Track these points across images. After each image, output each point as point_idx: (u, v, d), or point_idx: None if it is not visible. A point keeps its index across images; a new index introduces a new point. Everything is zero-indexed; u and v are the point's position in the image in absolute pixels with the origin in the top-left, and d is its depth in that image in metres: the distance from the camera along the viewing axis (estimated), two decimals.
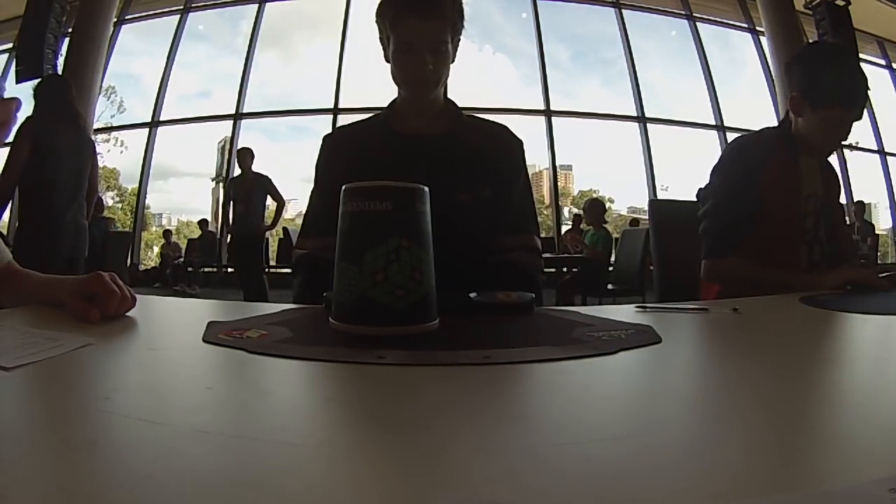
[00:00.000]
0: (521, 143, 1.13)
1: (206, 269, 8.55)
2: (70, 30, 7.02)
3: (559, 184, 9.27)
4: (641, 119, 8.70)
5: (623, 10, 9.15)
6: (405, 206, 0.60)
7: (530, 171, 1.24)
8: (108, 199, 10.39)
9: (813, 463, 0.29)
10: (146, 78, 9.74)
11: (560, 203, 9.15)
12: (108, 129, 9.77)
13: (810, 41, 7.59)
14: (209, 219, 9.53)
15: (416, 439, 0.33)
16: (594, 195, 9.78)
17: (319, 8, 10.08)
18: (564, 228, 8.53)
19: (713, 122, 8.86)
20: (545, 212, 9.19)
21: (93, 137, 2.62)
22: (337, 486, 0.26)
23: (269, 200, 4.88)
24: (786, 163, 1.30)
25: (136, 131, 9.22)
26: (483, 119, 1.15)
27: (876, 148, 9.44)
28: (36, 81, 2.61)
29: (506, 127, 1.15)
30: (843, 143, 1.32)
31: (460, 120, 1.10)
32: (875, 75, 9.46)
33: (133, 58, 10.15)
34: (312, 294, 0.93)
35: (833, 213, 1.39)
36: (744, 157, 1.32)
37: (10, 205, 2.50)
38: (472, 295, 0.79)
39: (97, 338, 0.56)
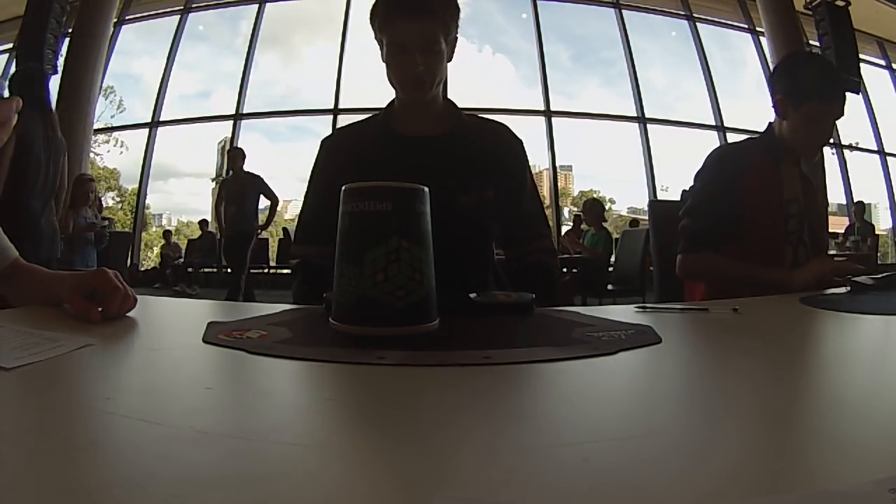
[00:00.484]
0: (521, 142, 1.13)
1: (205, 270, 8.56)
2: (70, 30, 7.03)
3: (559, 184, 9.27)
4: (641, 119, 8.70)
5: (623, 11, 9.15)
6: (405, 207, 0.60)
7: (532, 173, 1.24)
8: (109, 199, 10.39)
9: (813, 463, 0.29)
10: (146, 78, 9.74)
11: (560, 203, 9.15)
12: (108, 130, 9.78)
13: (809, 42, 7.61)
14: (209, 219, 9.53)
15: (415, 440, 0.33)
16: (594, 195, 9.78)
17: (319, 8, 10.09)
18: (564, 229, 8.53)
19: (713, 123, 8.86)
20: (545, 212, 9.19)
21: (61, 137, 2.55)
22: (337, 486, 0.26)
23: (264, 201, 4.83)
24: (766, 169, 1.37)
25: (136, 131, 9.23)
26: (483, 118, 1.15)
27: (876, 148, 9.44)
28: (11, 73, 2.54)
29: (506, 126, 1.15)
30: (828, 143, 1.39)
31: (460, 120, 1.09)
32: (875, 75, 9.46)
33: (133, 58, 10.15)
34: (313, 300, 0.93)
35: (815, 217, 1.45)
36: (723, 164, 1.40)
37: None
38: (472, 295, 0.79)
39: (97, 338, 0.56)
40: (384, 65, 1.03)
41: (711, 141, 8.68)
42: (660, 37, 10.07)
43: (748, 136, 1.49)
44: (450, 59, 1.04)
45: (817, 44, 7.28)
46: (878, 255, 7.54)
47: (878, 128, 9.31)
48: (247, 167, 4.83)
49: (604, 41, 10.31)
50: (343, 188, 0.62)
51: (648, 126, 8.70)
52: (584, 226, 5.60)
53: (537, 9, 8.96)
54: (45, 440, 0.31)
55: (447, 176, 0.76)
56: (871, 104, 9.17)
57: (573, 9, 9.44)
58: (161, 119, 8.86)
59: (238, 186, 4.70)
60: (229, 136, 8.78)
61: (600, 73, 12.19)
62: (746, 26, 9.34)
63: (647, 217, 2.23)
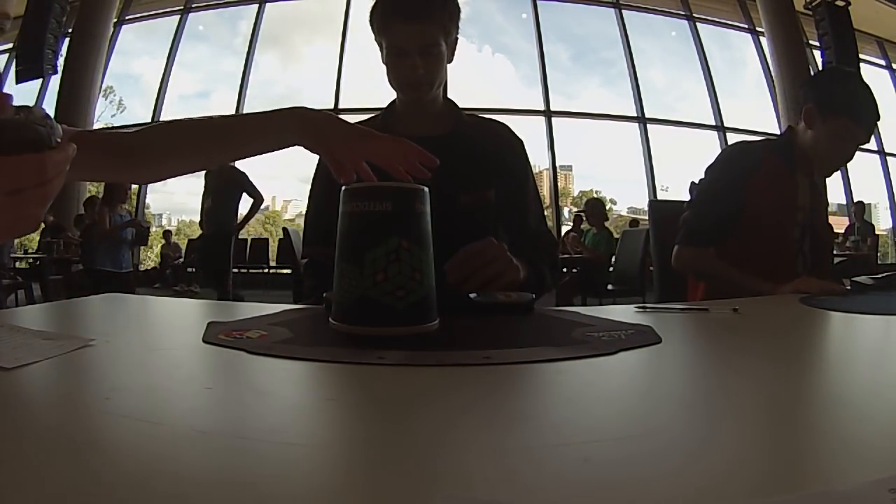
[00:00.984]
0: (521, 141, 1.13)
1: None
2: (70, 30, 7.03)
3: (559, 184, 9.27)
4: (641, 119, 8.71)
5: (623, 11, 9.16)
6: (405, 207, 0.60)
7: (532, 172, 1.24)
8: None
9: (813, 463, 0.29)
10: (146, 78, 9.75)
11: (560, 203, 9.15)
12: (108, 130, 9.76)
13: (809, 42, 7.61)
14: None
15: (416, 440, 0.33)
16: (594, 195, 9.78)
17: (319, 8, 10.09)
18: (565, 229, 8.53)
19: (713, 123, 8.86)
20: (545, 212, 9.18)
21: None
22: (337, 486, 0.26)
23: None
24: (780, 173, 1.35)
25: None
26: (483, 118, 1.15)
27: (876, 148, 9.44)
28: None
29: (506, 125, 1.15)
30: (845, 165, 1.37)
31: (461, 120, 1.09)
32: (875, 75, 9.46)
33: (133, 58, 10.16)
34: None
35: (819, 229, 1.43)
36: (732, 163, 1.39)
37: None
38: (472, 295, 0.79)
39: (97, 338, 0.56)
40: (384, 66, 1.03)
41: (711, 141, 8.69)
42: (660, 37, 10.08)
43: (766, 137, 1.46)
44: (450, 61, 1.04)
45: (817, 44, 7.29)
46: (878, 255, 7.54)
47: (878, 128, 9.30)
48: (247, 166, 4.69)
49: (604, 41, 10.33)
50: (343, 188, 0.62)
51: (648, 126, 8.71)
52: (584, 225, 5.60)
53: (537, 9, 8.96)
54: (45, 440, 0.31)
55: (448, 176, 0.76)
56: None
57: (573, 9, 9.44)
58: (161, 119, 8.86)
59: (219, 180, 4.34)
60: None
61: (600, 73, 12.21)
62: (746, 26, 9.34)
63: (647, 217, 2.23)
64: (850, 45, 6.99)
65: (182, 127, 0.74)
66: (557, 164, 8.75)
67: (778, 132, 3.24)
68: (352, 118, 1.22)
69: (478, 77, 10.24)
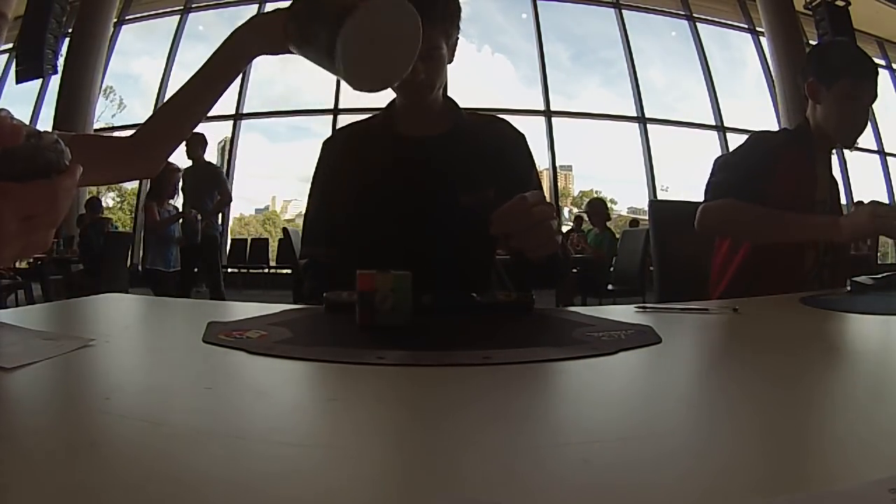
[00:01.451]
0: (524, 136, 1.13)
1: None
2: (70, 30, 7.03)
3: (559, 184, 9.27)
4: (641, 119, 8.71)
5: (623, 11, 9.15)
6: None
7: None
8: (109, 199, 10.39)
9: (813, 463, 0.29)
10: (146, 78, 9.75)
11: (560, 203, 9.15)
12: (108, 130, 9.78)
13: (809, 42, 7.61)
14: None
15: (416, 440, 0.33)
16: (594, 195, 9.78)
17: None
18: (565, 229, 8.53)
19: (713, 123, 8.86)
20: None
21: None
22: (337, 486, 0.26)
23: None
24: (799, 164, 1.33)
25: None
26: (483, 115, 1.15)
27: (876, 148, 9.44)
28: None
29: (507, 121, 1.15)
30: (863, 129, 1.34)
31: (461, 119, 1.09)
32: None
33: (133, 58, 10.15)
34: (321, 299, 0.92)
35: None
36: (762, 141, 1.35)
37: None
38: (473, 295, 0.79)
39: (97, 338, 0.56)
40: None
41: (711, 141, 8.69)
42: (660, 37, 10.07)
43: (784, 128, 1.46)
44: (450, 61, 1.03)
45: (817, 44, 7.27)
46: (878, 255, 7.53)
47: (878, 128, 9.31)
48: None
49: (604, 41, 10.31)
50: None
51: (648, 126, 8.71)
52: (584, 226, 5.60)
53: (537, 9, 8.96)
54: (45, 440, 0.31)
55: (449, 175, 0.75)
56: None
57: (573, 9, 9.44)
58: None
59: (194, 178, 4.09)
60: (229, 136, 8.78)
61: (600, 73, 12.19)
62: (746, 26, 9.34)
63: (647, 217, 2.22)
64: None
65: (170, 107, 0.76)
66: (557, 164, 8.75)
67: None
68: (352, 118, 1.22)
69: (478, 77, 10.24)
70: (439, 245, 0.94)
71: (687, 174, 9.60)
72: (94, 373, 0.48)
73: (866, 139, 9.27)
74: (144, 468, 0.27)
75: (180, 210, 4.12)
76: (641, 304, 0.81)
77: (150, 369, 0.50)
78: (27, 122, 0.39)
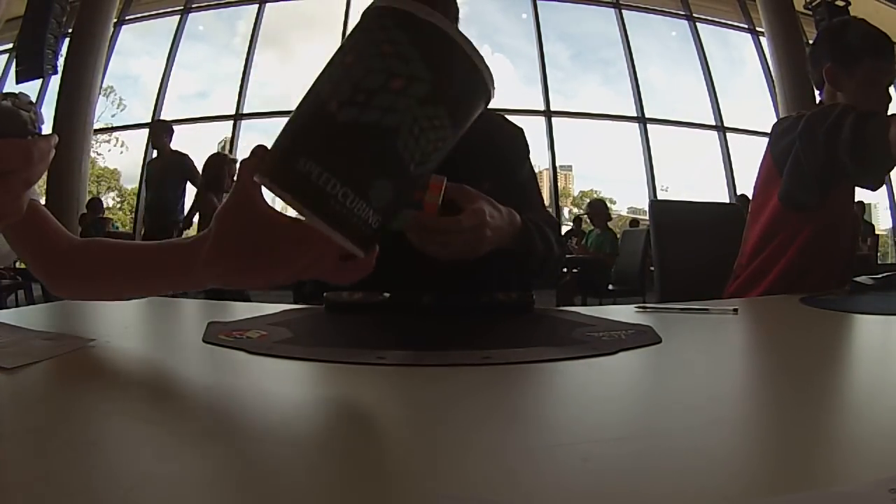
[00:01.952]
0: (521, 130, 1.13)
1: None
2: (70, 30, 7.03)
3: (559, 184, 9.27)
4: (641, 119, 8.71)
5: (623, 11, 9.16)
6: None
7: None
8: (109, 199, 10.39)
9: (813, 463, 0.29)
10: (146, 78, 9.73)
11: (560, 203, 9.15)
12: (108, 130, 9.78)
13: (809, 42, 7.59)
14: None
15: (415, 440, 0.33)
16: (594, 195, 9.78)
17: (319, 8, 10.09)
18: (565, 229, 8.53)
19: (713, 123, 8.86)
20: (545, 204, 9.19)
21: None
22: (337, 486, 0.26)
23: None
24: None
25: (136, 131, 9.22)
26: (481, 113, 1.15)
27: None
28: None
29: (503, 116, 1.15)
30: (888, 107, 1.25)
31: None
32: None
33: (133, 58, 10.14)
34: (318, 300, 0.92)
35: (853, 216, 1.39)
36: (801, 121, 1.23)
37: None
38: (471, 296, 0.79)
39: (97, 338, 0.56)
40: None
41: (711, 141, 8.69)
42: (660, 37, 10.07)
43: (800, 113, 1.30)
44: None
45: None
46: (878, 255, 7.54)
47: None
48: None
49: (603, 41, 10.30)
50: None
51: (648, 126, 8.70)
52: (585, 226, 5.60)
53: (537, 9, 8.96)
54: (45, 440, 0.31)
55: (445, 169, 0.75)
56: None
57: (573, 9, 9.44)
58: (161, 119, 8.85)
59: (160, 169, 3.70)
60: (229, 136, 8.78)
61: (600, 73, 12.18)
62: (746, 26, 9.34)
63: (647, 217, 2.22)
64: None
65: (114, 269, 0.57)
66: (557, 164, 8.75)
67: None
68: None
69: None
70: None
71: (687, 174, 9.61)
72: (94, 373, 0.48)
73: None
74: (144, 468, 0.27)
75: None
76: (641, 304, 0.81)
77: (150, 369, 0.50)
78: None
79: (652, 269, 1.69)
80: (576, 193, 11.59)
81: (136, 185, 9.09)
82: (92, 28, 7.09)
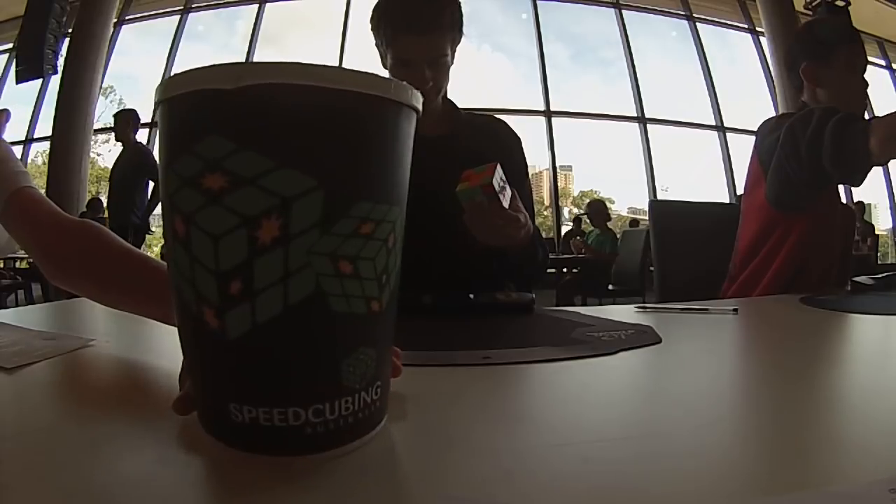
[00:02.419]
0: (519, 139, 1.13)
1: None
2: (70, 30, 7.03)
3: (559, 184, 9.27)
4: (641, 119, 8.71)
5: (623, 10, 9.16)
6: None
7: (530, 172, 1.24)
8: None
9: (813, 463, 0.29)
10: (146, 78, 9.74)
11: (560, 203, 9.15)
12: (108, 130, 9.77)
13: None
14: None
15: (415, 440, 0.33)
16: (594, 195, 9.78)
17: (319, 8, 10.09)
18: (565, 229, 8.53)
19: (713, 123, 8.87)
20: (545, 212, 9.20)
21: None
22: (336, 486, 0.26)
23: None
24: None
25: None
26: (481, 115, 1.15)
27: None
28: None
29: (503, 122, 1.15)
30: (867, 95, 1.27)
31: (460, 121, 1.09)
32: (875, 75, 9.46)
33: (133, 58, 10.14)
34: None
35: (846, 213, 1.40)
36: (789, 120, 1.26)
37: None
38: (472, 296, 0.79)
39: (97, 338, 0.56)
40: (385, 70, 1.03)
41: (711, 141, 8.69)
42: (660, 37, 10.07)
43: (782, 114, 1.35)
44: (452, 63, 1.03)
45: None
46: (878, 255, 7.54)
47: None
48: None
49: (603, 41, 10.31)
50: None
51: (648, 126, 8.71)
52: (585, 226, 5.60)
53: (537, 9, 8.96)
54: (45, 439, 0.31)
55: (447, 178, 0.76)
56: (871, 104, 9.16)
57: (573, 9, 9.44)
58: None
59: (124, 166, 3.35)
60: None
61: (600, 73, 12.19)
62: (746, 26, 9.34)
63: (647, 217, 2.22)
64: None
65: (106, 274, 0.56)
66: (557, 164, 8.75)
67: None
68: None
69: (478, 77, 10.24)
70: (439, 245, 0.94)
71: (687, 174, 9.61)
72: (94, 373, 0.48)
73: None
74: (144, 468, 0.27)
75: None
76: (641, 304, 0.81)
77: (150, 369, 0.49)
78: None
79: (652, 269, 1.69)
80: (576, 193, 11.60)
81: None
82: (92, 28, 7.09)
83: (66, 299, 0.80)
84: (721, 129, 8.73)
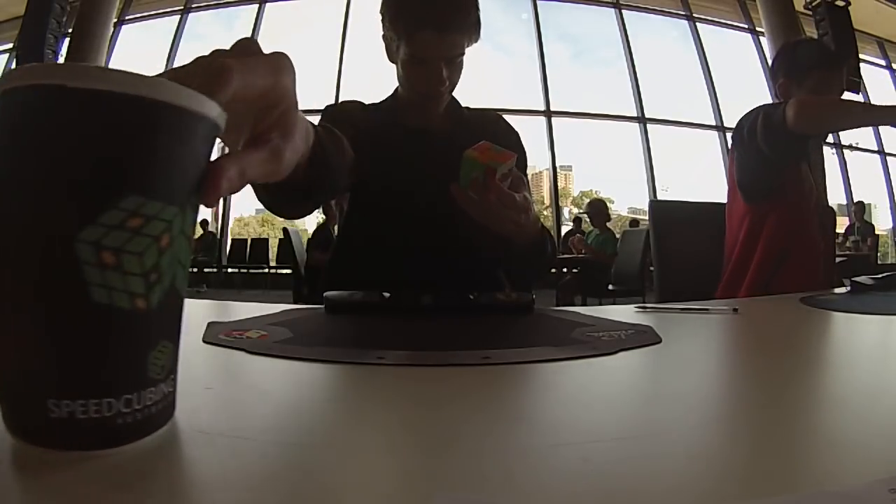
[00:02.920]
0: (518, 134, 1.13)
1: (206, 270, 8.56)
2: (70, 30, 7.04)
3: (559, 184, 9.28)
4: (641, 119, 8.72)
5: (623, 11, 9.16)
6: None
7: (530, 172, 1.24)
8: None
9: (813, 463, 0.29)
10: None
11: (560, 203, 9.15)
12: None
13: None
14: (209, 219, 9.54)
15: (415, 440, 0.33)
16: (595, 195, 9.78)
17: (319, 8, 10.10)
18: (565, 229, 8.53)
19: (713, 123, 8.87)
20: (545, 212, 9.21)
21: None
22: (336, 486, 0.26)
23: None
24: None
25: None
26: (481, 110, 1.15)
27: (876, 148, 9.44)
28: None
29: (502, 117, 1.15)
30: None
31: (462, 115, 1.09)
32: (875, 75, 9.47)
33: (133, 58, 10.14)
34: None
35: (822, 209, 1.47)
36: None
37: None
38: (472, 296, 0.79)
39: None
40: (393, 64, 1.01)
41: (711, 141, 8.70)
42: (660, 36, 10.07)
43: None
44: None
45: None
46: (878, 255, 7.54)
47: (878, 128, 9.31)
48: None
49: (603, 41, 10.32)
50: None
51: (648, 126, 8.71)
52: (585, 226, 5.60)
53: (537, 9, 8.97)
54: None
55: (450, 170, 0.76)
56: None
57: (573, 9, 9.45)
58: None
59: None
60: None
61: (600, 73, 12.20)
62: (746, 26, 9.35)
63: (647, 217, 2.23)
64: (850, 45, 6.99)
65: None
66: (557, 164, 8.76)
67: None
68: None
69: (478, 77, 10.24)
70: (443, 240, 0.94)
71: (687, 174, 9.62)
72: None
73: (866, 139, 9.29)
74: (143, 468, 0.27)
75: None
76: (641, 304, 0.81)
77: None
78: None
79: (652, 269, 1.69)
80: (576, 193, 11.62)
81: None
82: (92, 28, 7.10)
83: None
84: (721, 129, 8.73)
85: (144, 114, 0.27)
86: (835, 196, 8.97)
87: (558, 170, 9.06)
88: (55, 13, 6.45)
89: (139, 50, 10.12)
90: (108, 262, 0.26)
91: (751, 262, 1.35)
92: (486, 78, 10.78)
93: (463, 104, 1.12)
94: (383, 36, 1.00)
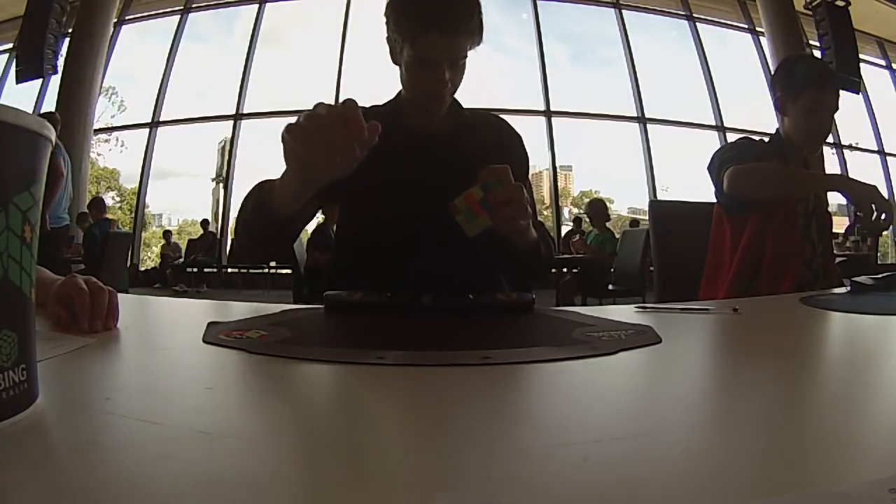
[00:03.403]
0: (520, 137, 1.13)
1: (206, 270, 8.55)
2: (70, 30, 7.04)
3: (559, 184, 9.28)
4: (641, 119, 8.72)
5: (623, 11, 9.16)
6: None
7: (530, 172, 1.24)
8: (109, 199, 10.40)
9: (813, 463, 0.29)
10: (146, 78, 9.73)
11: (560, 203, 9.16)
12: (108, 130, 9.78)
13: (809, 42, 7.61)
14: (209, 219, 9.54)
15: (415, 440, 0.33)
16: (595, 195, 9.78)
17: (320, 7, 10.10)
18: (565, 229, 8.53)
19: (713, 123, 8.87)
20: (545, 212, 9.20)
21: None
22: (336, 486, 0.26)
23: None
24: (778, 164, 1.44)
25: (136, 131, 9.23)
26: (483, 113, 1.15)
27: (876, 148, 9.44)
28: None
29: (504, 121, 1.15)
30: (827, 136, 1.47)
31: (464, 118, 1.09)
32: (875, 75, 9.46)
33: (133, 58, 10.14)
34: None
35: (821, 215, 1.49)
36: (744, 148, 1.47)
37: None
38: (471, 296, 0.79)
39: (97, 338, 0.56)
40: (397, 66, 1.01)
41: (711, 141, 8.69)
42: (660, 36, 10.07)
43: (761, 139, 1.54)
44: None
45: (817, 44, 7.27)
46: (878, 255, 7.54)
47: (878, 128, 9.32)
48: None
49: (603, 41, 10.32)
50: None
51: (648, 126, 8.71)
52: (584, 226, 5.59)
53: (537, 9, 8.97)
54: (45, 440, 0.31)
55: (452, 175, 0.76)
56: (871, 104, 9.18)
57: (573, 9, 9.45)
58: (161, 119, 8.85)
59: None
60: (229, 136, 8.77)
61: (600, 73, 12.20)
62: (746, 26, 9.35)
63: (647, 217, 2.23)
64: (850, 45, 6.99)
65: None
66: (557, 164, 8.76)
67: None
68: None
69: (478, 77, 10.23)
70: (443, 243, 0.94)
71: (687, 174, 9.62)
72: (94, 373, 0.48)
73: (866, 139, 9.29)
74: (144, 468, 0.27)
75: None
76: (641, 304, 0.81)
77: (150, 369, 0.49)
78: None
79: (652, 269, 1.69)
80: (576, 193, 11.61)
81: (136, 184, 9.12)
82: (92, 28, 7.10)
83: None
84: (721, 129, 8.73)
85: None
86: (835, 196, 8.96)
87: (558, 170, 9.06)
88: (55, 13, 6.45)
89: (139, 50, 10.13)
90: None
91: (730, 264, 1.42)
92: (486, 78, 10.78)
93: (464, 105, 1.11)
94: (387, 38, 1.00)
